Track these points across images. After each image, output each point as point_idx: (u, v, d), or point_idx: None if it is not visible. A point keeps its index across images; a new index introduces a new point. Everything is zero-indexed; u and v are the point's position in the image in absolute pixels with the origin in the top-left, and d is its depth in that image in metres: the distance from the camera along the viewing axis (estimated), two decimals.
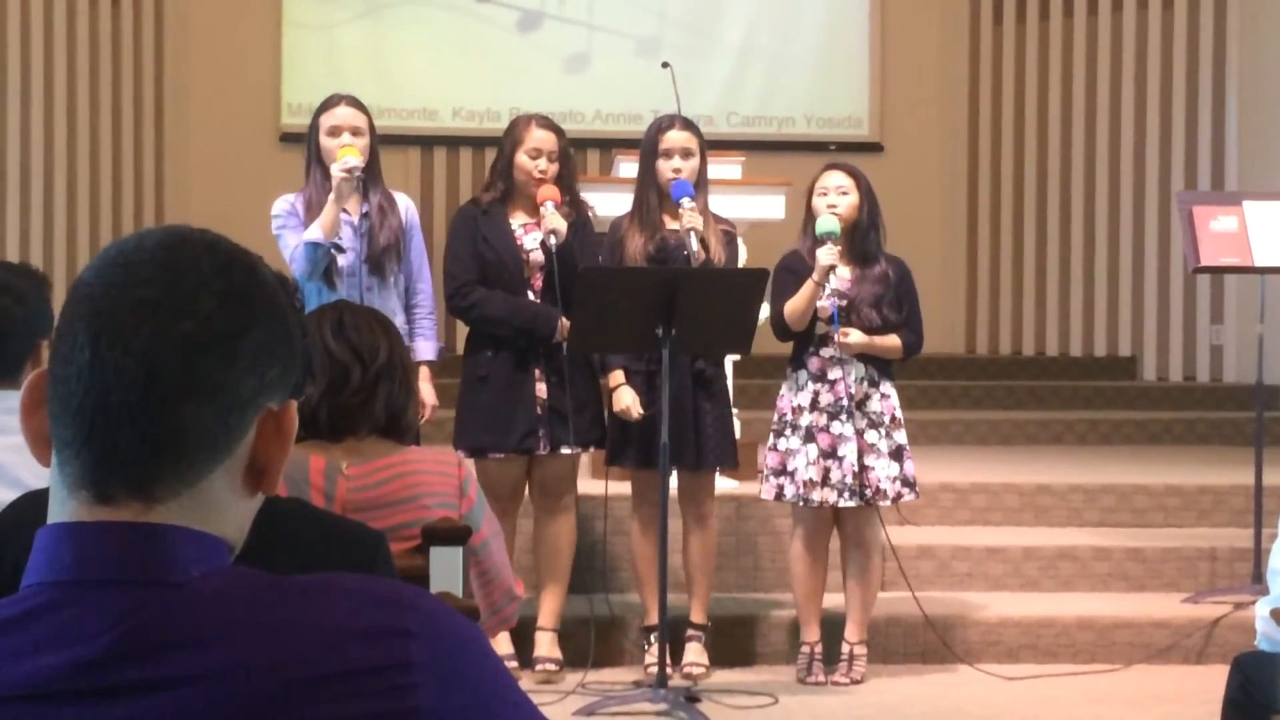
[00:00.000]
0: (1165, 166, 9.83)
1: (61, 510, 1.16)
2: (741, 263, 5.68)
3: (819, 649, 5.48)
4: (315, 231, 5.05)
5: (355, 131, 5.16)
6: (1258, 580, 5.88)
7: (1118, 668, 5.68)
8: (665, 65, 6.29)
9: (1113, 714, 5.18)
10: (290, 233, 5.16)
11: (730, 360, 5.87)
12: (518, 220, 5.45)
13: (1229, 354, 9.60)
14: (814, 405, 5.41)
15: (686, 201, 5.27)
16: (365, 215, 5.17)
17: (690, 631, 5.47)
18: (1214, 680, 4.11)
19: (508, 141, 5.47)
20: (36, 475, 1.82)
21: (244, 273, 1.19)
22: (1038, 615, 5.81)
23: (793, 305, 5.35)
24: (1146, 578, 6.19)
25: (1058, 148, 10.18)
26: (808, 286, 5.31)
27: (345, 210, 5.16)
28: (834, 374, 5.41)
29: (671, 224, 5.38)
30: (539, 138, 5.41)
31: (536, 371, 5.36)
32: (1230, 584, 6.07)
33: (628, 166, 6.23)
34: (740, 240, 5.68)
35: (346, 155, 5.07)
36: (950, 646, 5.66)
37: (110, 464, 1.14)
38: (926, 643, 5.71)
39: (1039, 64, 10.28)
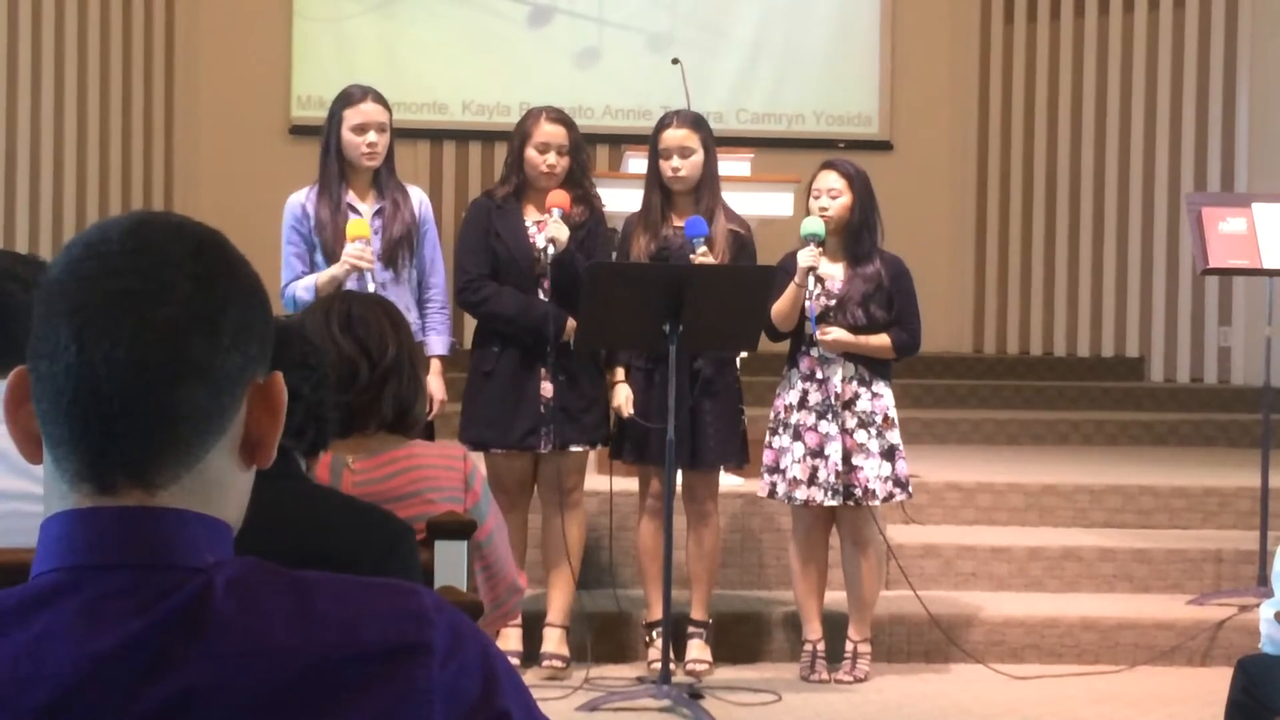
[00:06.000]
0: (1175, 167, 9.81)
1: (64, 503, 1.16)
2: None
3: (821, 647, 5.48)
4: (310, 293, 4.99)
5: (380, 129, 5.11)
6: (1263, 583, 5.87)
7: (1121, 669, 5.67)
8: (675, 61, 6.29)
9: (1116, 715, 5.18)
10: (294, 255, 5.11)
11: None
12: (531, 216, 5.40)
13: (1236, 356, 9.59)
14: (803, 404, 5.43)
15: (699, 245, 5.22)
16: (379, 211, 5.15)
17: (691, 629, 5.47)
18: (1218, 682, 4.12)
19: (518, 135, 5.40)
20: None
21: (214, 252, 1.20)
22: (1042, 615, 5.80)
23: (778, 306, 5.37)
24: (1151, 579, 6.18)
25: (1067, 148, 10.16)
26: (790, 288, 5.33)
27: (359, 206, 5.13)
28: (823, 373, 5.41)
29: (676, 222, 5.37)
30: (548, 132, 5.34)
31: (542, 370, 5.32)
32: (1235, 586, 6.07)
33: (637, 162, 6.23)
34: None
35: (358, 238, 4.96)
36: (955, 645, 5.66)
37: (109, 456, 1.15)
38: (930, 641, 5.71)
39: (1049, 64, 10.26)
